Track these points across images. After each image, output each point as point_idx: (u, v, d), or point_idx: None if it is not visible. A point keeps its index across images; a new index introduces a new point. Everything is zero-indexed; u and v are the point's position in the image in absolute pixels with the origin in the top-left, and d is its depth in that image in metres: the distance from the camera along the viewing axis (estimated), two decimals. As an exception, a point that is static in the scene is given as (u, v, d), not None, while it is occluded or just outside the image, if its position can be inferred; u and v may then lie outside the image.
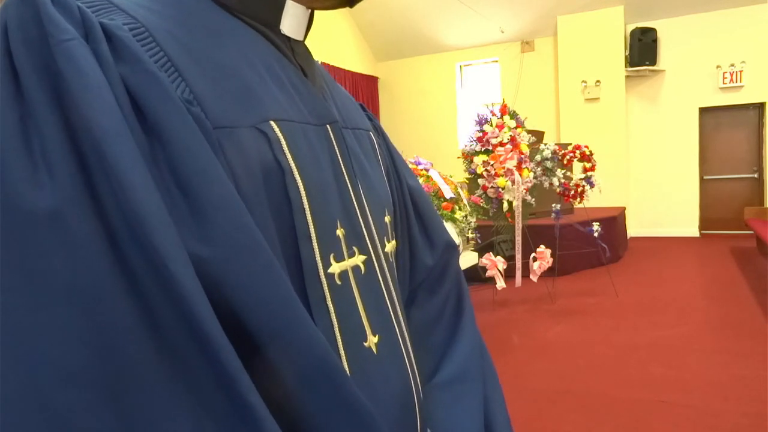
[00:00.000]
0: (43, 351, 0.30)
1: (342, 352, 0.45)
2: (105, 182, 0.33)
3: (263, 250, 0.37)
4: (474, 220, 4.20)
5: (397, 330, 0.52)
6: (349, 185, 0.52)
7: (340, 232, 0.48)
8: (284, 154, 0.44)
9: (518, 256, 4.38)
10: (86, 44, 0.36)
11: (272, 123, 0.44)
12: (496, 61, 9.19)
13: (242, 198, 0.39)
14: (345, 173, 0.52)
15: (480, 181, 4.41)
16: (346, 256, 0.48)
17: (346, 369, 0.44)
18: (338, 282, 0.46)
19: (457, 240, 3.95)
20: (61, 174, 0.33)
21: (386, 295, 0.52)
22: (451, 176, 4.32)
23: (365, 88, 9.28)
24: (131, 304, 0.32)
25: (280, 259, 0.42)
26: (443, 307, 0.66)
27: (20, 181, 0.32)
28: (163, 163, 0.36)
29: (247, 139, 0.42)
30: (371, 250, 0.52)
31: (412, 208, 0.67)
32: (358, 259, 0.50)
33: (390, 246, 0.58)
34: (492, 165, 4.31)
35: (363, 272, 0.50)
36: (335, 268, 0.46)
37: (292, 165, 0.44)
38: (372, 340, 0.48)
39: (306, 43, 0.56)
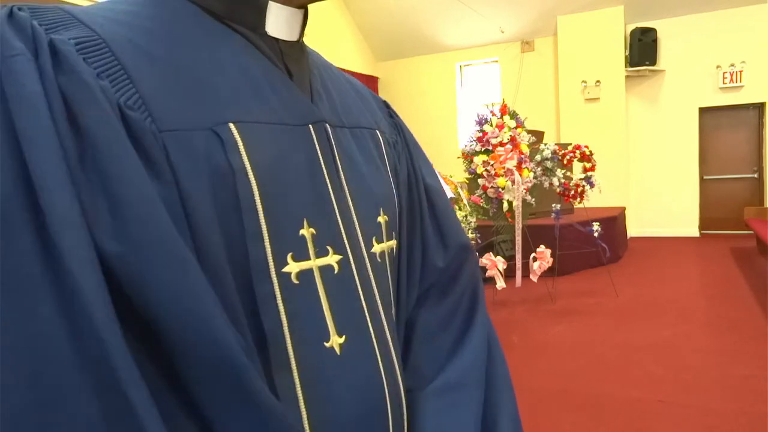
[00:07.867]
0: None
1: (291, 350, 0.46)
2: (33, 185, 0.37)
3: (175, 246, 0.39)
4: (474, 220, 4.20)
5: (372, 331, 0.52)
6: (329, 185, 0.52)
7: (306, 231, 0.49)
8: (239, 154, 0.45)
9: (518, 256, 4.38)
10: (32, 59, 0.39)
11: (231, 125, 0.46)
12: (496, 61, 9.19)
13: (186, 199, 0.42)
14: (325, 173, 0.52)
15: (480, 181, 4.41)
16: (312, 256, 0.49)
17: (295, 367, 0.46)
18: (295, 281, 0.47)
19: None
20: (4, 176, 0.36)
21: (362, 296, 0.52)
22: (451, 176, 4.32)
23: (365, 88, 9.27)
24: (49, 297, 0.36)
25: (224, 258, 0.44)
26: (454, 311, 0.65)
27: None
28: (90, 165, 0.39)
29: (197, 141, 0.44)
30: (349, 250, 0.52)
31: (427, 207, 0.66)
32: (332, 259, 0.50)
33: (382, 246, 0.57)
34: (492, 165, 4.31)
35: (336, 272, 0.50)
36: (293, 267, 0.47)
37: (247, 165, 0.45)
38: (336, 341, 0.49)
39: (306, 43, 0.56)
